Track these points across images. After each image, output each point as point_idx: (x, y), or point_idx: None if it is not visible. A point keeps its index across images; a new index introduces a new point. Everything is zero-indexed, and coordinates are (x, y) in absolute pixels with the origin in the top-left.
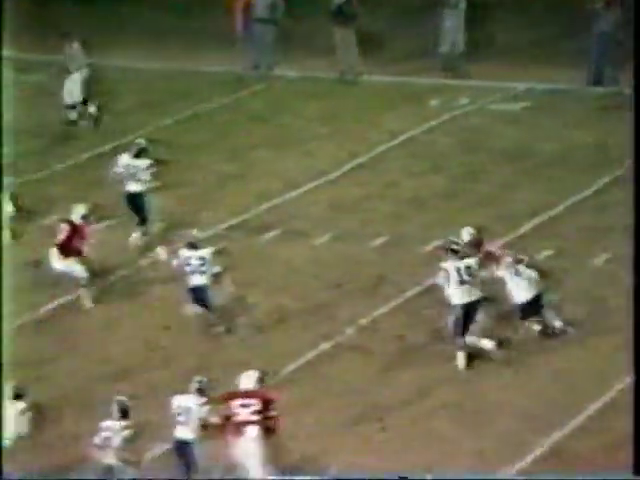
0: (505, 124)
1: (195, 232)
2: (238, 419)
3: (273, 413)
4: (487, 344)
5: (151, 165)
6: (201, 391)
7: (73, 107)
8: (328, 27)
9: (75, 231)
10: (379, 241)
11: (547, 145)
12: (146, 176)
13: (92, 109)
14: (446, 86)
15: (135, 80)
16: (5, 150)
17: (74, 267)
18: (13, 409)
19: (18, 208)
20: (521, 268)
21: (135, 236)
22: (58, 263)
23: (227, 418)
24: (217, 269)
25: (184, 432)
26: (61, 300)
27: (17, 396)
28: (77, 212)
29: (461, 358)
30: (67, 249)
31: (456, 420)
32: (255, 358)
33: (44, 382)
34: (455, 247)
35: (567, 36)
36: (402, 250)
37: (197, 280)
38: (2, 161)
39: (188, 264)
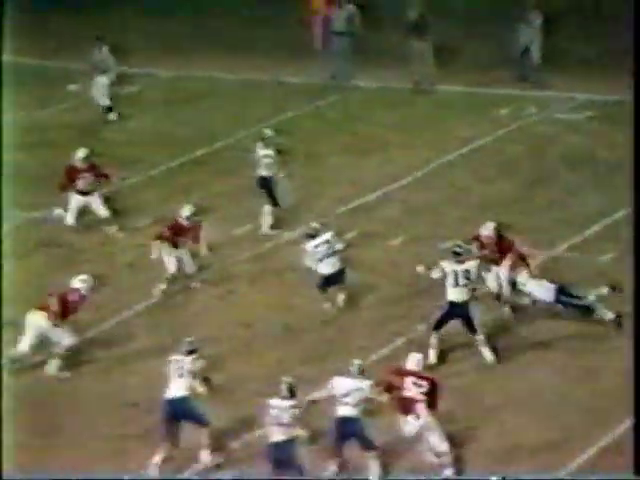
0: (570, 132)
1: (314, 224)
2: (407, 394)
3: (437, 397)
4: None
5: (275, 154)
6: (362, 373)
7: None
8: (403, 39)
9: (177, 228)
10: (449, 243)
11: (609, 153)
12: (272, 163)
13: (112, 116)
14: (515, 96)
15: (221, 90)
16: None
17: (169, 260)
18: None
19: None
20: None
21: (267, 219)
22: (156, 253)
23: (390, 389)
24: (340, 246)
25: (348, 410)
26: (152, 299)
27: (191, 351)
28: (183, 212)
29: (432, 354)
30: (172, 243)
31: (522, 413)
32: (332, 353)
33: (137, 376)
34: (457, 250)
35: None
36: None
37: (330, 266)
38: (2, 168)
39: (318, 252)
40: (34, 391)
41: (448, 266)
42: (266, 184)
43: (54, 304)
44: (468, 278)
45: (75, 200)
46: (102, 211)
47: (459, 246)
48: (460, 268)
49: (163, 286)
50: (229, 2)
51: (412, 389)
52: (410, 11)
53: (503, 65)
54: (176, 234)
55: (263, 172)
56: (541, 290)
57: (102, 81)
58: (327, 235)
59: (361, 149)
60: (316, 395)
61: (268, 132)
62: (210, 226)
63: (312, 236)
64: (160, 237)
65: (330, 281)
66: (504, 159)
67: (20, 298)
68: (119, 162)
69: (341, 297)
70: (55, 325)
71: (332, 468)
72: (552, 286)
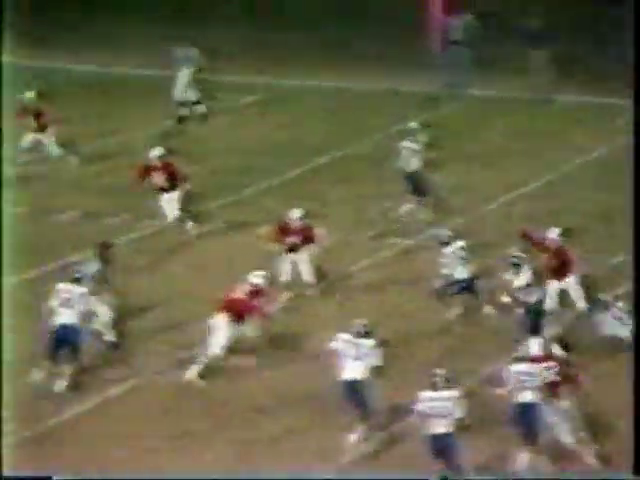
0: None
1: (447, 232)
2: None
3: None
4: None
5: (422, 148)
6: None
7: (183, 104)
8: (522, 48)
9: (285, 229)
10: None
11: None
12: (419, 157)
13: (202, 109)
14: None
15: (340, 99)
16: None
17: (283, 267)
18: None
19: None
20: None
21: (423, 212)
22: (288, 259)
23: None
24: (468, 256)
25: (529, 396)
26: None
27: (367, 333)
28: (293, 214)
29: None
30: (289, 247)
31: (620, 416)
32: (452, 361)
33: (260, 382)
34: (515, 261)
35: None
36: (590, 262)
37: (465, 272)
38: (1, 170)
39: (456, 257)
40: (167, 394)
41: (511, 277)
42: (413, 178)
43: (233, 305)
44: (529, 285)
45: (160, 199)
46: (174, 211)
47: (516, 257)
48: (523, 276)
49: (288, 294)
50: (349, 15)
51: (545, 374)
52: (530, 20)
53: (622, 75)
54: (284, 234)
55: (410, 166)
56: (621, 329)
57: (185, 76)
58: (461, 242)
59: (480, 157)
60: (500, 391)
61: (414, 125)
62: (327, 233)
63: (446, 243)
64: (270, 236)
65: (462, 288)
66: (622, 168)
67: (162, 305)
68: (241, 170)
69: (489, 309)
70: (235, 326)
71: (523, 457)
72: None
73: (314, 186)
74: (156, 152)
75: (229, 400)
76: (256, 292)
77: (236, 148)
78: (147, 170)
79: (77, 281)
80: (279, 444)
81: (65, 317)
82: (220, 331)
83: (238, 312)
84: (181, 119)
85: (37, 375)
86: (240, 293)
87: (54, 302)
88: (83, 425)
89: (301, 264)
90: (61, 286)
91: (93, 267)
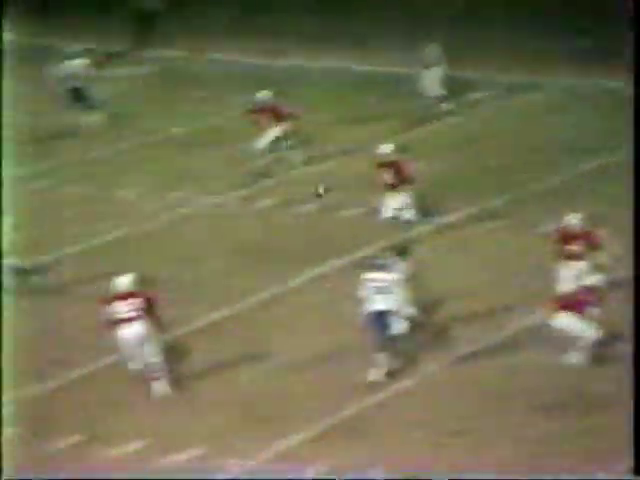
0: None
1: None
2: None
3: None
4: None
5: None
6: None
7: (433, 102)
8: None
9: (566, 235)
10: None
11: None
12: None
13: (445, 106)
14: None
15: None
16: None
17: (586, 275)
18: None
19: None
20: None
21: None
22: (569, 267)
23: None
24: None
25: None
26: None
27: None
28: (571, 219)
29: None
30: (569, 253)
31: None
32: None
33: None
34: None
35: None
36: None
37: None
38: (2, 163)
39: None
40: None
41: None
42: None
43: (574, 304)
44: None
45: (386, 196)
46: (388, 210)
47: None
48: None
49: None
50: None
51: None
52: None
53: None
54: (566, 242)
55: None
56: None
57: (435, 74)
58: None
59: None
60: None
61: None
62: (613, 238)
63: None
64: (554, 241)
65: None
66: None
67: (443, 300)
68: (523, 168)
69: None
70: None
71: None
72: None
73: (595, 186)
74: (386, 148)
75: (513, 396)
76: (590, 292)
77: (517, 145)
78: (380, 166)
79: (385, 270)
80: (565, 444)
81: (382, 304)
82: (573, 326)
83: (580, 311)
84: (435, 116)
85: (374, 374)
86: (576, 292)
87: (365, 291)
88: (370, 417)
89: (582, 273)
90: (372, 275)
91: (396, 265)
